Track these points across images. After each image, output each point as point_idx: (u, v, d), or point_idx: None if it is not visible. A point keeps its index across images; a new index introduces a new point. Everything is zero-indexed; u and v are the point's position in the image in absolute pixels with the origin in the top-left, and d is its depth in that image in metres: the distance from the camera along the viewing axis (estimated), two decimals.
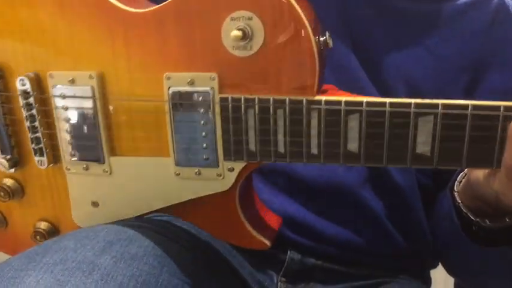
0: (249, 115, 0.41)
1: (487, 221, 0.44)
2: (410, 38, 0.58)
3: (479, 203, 0.44)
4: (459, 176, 0.48)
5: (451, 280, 0.65)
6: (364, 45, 0.58)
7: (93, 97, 0.44)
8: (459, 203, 0.46)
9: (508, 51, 0.57)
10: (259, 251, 0.54)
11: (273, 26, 0.39)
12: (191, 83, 0.42)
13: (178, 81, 0.42)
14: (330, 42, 0.40)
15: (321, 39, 0.40)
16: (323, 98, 0.39)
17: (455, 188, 0.47)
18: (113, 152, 0.47)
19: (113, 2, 0.42)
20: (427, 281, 0.63)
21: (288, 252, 0.56)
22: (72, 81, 0.44)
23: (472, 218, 0.44)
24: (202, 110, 0.42)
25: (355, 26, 0.58)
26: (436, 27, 0.58)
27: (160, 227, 0.52)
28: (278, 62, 0.40)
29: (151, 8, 0.42)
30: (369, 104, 0.38)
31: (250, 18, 0.39)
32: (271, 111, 0.40)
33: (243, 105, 0.41)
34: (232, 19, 0.39)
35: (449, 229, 0.48)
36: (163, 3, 0.41)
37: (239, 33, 0.38)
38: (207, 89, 0.41)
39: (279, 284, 0.57)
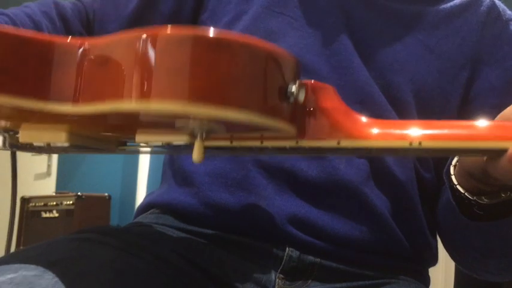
0: (238, 149, 0.40)
1: (484, 198, 0.45)
2: (410, 39, 0.60)
3: (471, 180, 0.45)
4: (454, 160, 0.48)
5: (451, 280, 0.66)
6: (366, 45, 0.59)
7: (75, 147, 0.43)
8: (456, 184, 0.46)
9: (500, 48, 0.62)
10: (257, 249, 0.56)
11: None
12: (168, 142, 0.39)
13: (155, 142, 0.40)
14: (301, 96, 0.34)
15: (290, 91, 0.33)
16: (306, 145, 0.37)
17: (451, 172, 0.48)
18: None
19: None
20: (427, 281, 0.64)
21: (287, 249, 0.56)
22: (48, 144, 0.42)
23: (470, 197, 0.45)
24: None
25: (356, 28, 0.60)
26: (434, 27, 0.61)
27: (125, 241, 0.52)
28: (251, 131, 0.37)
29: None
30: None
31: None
32: (257, 150, 0.40)
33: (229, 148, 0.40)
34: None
35: (449, 214, 0.49)
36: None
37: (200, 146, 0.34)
38: (187, 143, 0.39)
39: (277, 280, 0.56)
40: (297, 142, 0.38)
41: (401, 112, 0.58)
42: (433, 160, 0.60)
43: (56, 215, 2.28)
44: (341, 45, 0.59)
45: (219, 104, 0.29)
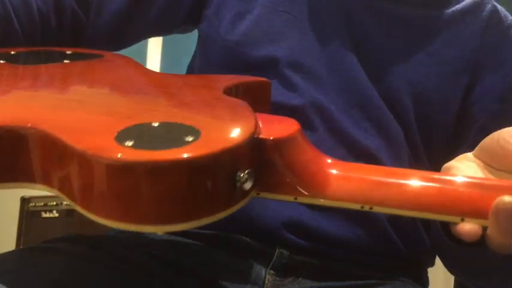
0: None
1: None
2: (411, 43, 0.61)
3: None
4: None
5: (451, 280, 0.65)
6: (366, 49, 0.60)
7: None
8: None
9: (501, 54, 0.62)
10: (248, 246, 0.56)
11: None
12: None
13: None
14: (247, 185, 0.35)
15: (238, 177, 0.34)
16: (266, 197, 0.39)
17: None
18: None
19: None
20: (425, 282, 0.63)
21: (277, 249, 0.56)
22: None
23: None
24: None
25: (357, 31, 0.60)
26: (435, 32, 0.61)
27: (95, 250, 0.51)
28: None
29: None
30: None
31: None
32: None
33: None
34: None
35: (436, 233, 0.49)
36: None
37: None
38: None
39: (267, 276, 0.56)
40: (258, 193, 0.40)
41: (400, 116, 0.59)
42: (431, 165, 0.61)
43: (56, 215, 2.29)
44: (341, 49, 0.60)
45: (163, 224, 0.31)
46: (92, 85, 0.45)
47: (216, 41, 0.63)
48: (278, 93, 0.58)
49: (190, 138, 0.34)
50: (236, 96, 0.49)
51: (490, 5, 0.64)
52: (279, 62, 0.60)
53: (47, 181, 0.35)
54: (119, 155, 0.30)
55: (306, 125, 0.57)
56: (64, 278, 0.46)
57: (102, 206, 0.32)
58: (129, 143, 0.32)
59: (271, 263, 0.56)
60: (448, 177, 0.38)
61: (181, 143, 0.33)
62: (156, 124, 0.36)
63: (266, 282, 0.55)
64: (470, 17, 0.63)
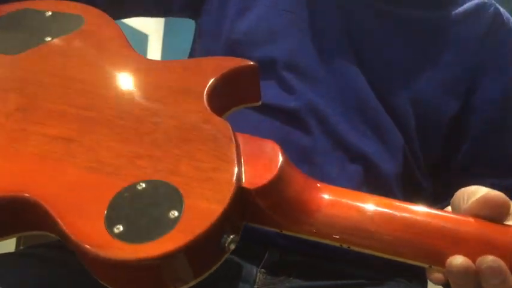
0: None
1: None
2: (411, 45, 0.60)
3: None
4: None
5: None
6: (365, 51, 0.59)
7: None
8: None
9: (503, 57, 0.61)
10: (237, 247, 0.53)
11: None
12: None
13: None
14: (231, 246, 0.37)
15: (223, 241, 0.36)
16: (253, 225, 0.42)
17: None
18: None
19: None
20: (423, 283, 0.61)
21: (268, 250, 0.55)
22: None
23: None
24: None
25: (356, 33, 0.59)
26: (437, 34, 0.60)
27: (74, 255, 0.49)
28: None
29: None
30: None
31: None
32: None
33: None
34: None
35: None
36: None
37: None
38: None
39: (259, 275, 0.55)
40: (248, 222, 0.42)
41: (399, 120, 0.59)
42: (432, 170, 0.62)
43: None
44: (340, 51, 0.59)
45: None
46: (70, 101, 0.45)
47: (218, 39, 0.61)
48: (275, 95, 0.57)
49: (175, 214, 0.36)
50: (223, 86, 0.47)
51: (493, 8, 0.61)
52: (276, 63, 0.58)
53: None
54: (109, 254, 0.33)
55: (302, 127, 0.57)
56: (37, 284, 0.46)
57: (100, 276, 0.36)
58: (119, 228, 0.35)
59: (262, 262, 0.55)
60: (420, 219, 0.39)
61: (166, 225, 0.35)
62: (143, 185, 0.37)
63: (257, 280, 0.55)
64: (473, 18, 0.60)
